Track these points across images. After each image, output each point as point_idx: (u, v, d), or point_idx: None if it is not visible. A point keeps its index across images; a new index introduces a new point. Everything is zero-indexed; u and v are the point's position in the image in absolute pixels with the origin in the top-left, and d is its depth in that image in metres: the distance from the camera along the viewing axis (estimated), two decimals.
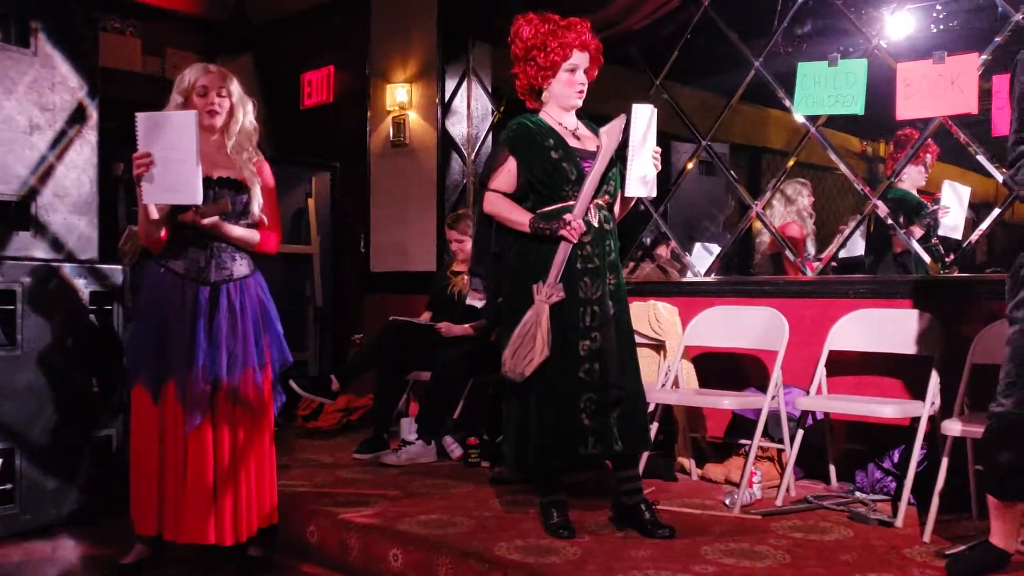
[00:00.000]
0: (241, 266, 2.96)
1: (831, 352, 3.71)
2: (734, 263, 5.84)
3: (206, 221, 2.85)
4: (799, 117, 4.13)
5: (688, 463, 3.97)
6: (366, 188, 5.93)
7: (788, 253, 4.63)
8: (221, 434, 2.86)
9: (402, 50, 5.73)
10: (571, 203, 2.98)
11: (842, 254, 5.04)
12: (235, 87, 2.97)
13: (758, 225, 5.02)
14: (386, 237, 5.83)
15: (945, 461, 3.10)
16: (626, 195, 3.11)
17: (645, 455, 3.65)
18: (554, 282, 2.95)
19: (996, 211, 3.78)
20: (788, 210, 5.51)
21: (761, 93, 4.43)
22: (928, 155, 4.73)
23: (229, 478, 2.87)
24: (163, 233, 2.88)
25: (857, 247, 5.07)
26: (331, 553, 3.21)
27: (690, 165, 4.99)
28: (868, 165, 9.02)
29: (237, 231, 2.93)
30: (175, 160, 2.69)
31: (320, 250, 6.35)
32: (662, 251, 5.43)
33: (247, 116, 2.99)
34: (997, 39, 3.63)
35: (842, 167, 4.18)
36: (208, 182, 2.85)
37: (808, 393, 3.68)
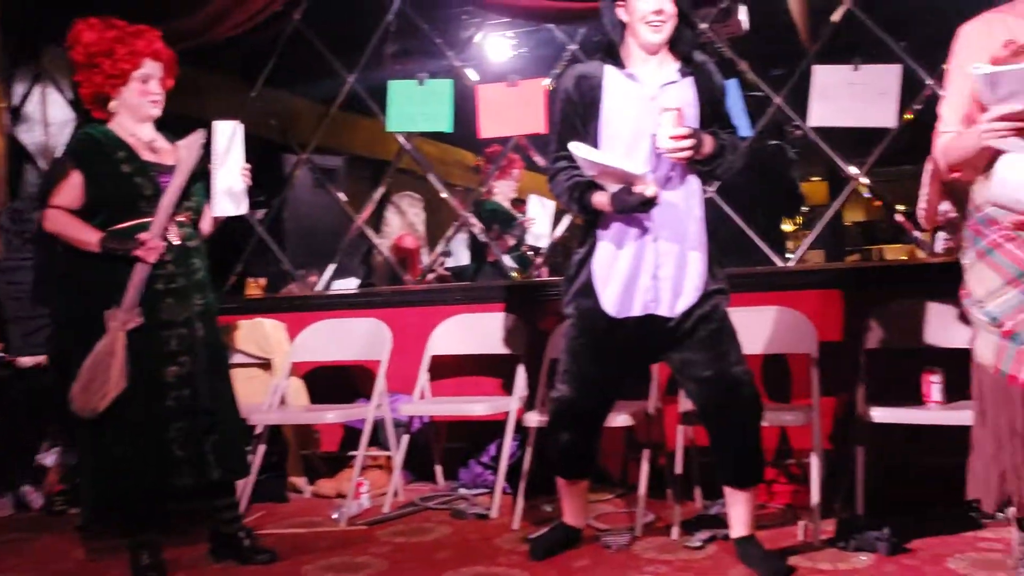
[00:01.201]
0: None
1: (434, 357, 3.87)
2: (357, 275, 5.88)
3: None
4: (400, 137, 4.27)
5: (300, 482, 3.91)
6: None
7: (397, 264, 4.76)
8: None
9: None
10: (147, 220, 2.79)
11: (451, 263, 5.31)
12: None
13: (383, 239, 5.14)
14: None
15: (530, 451, 3.38)
16: (213, 213, 2.98)
17: (252, 479, 3.54)
18: (130, 307, 2.73)
19: (567, 220, 4.22)
20: (403, 222, 5.69)
21: (379, 106, 4.46)
22: (516, 170, 5.14)
23: None
24: None
25: (464, 256, 5.37)
26: None
27: (299, 172, 4.92)
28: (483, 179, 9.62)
29: None
30: None
31: None
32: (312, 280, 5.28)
33: None
34: (556, 69, 4.04)
35: (434, 182, 4.39)
36: None
37: (413, 399, 3.81)
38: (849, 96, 3.39)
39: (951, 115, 2.12)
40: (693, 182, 2.66)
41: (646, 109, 2.58)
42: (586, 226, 2.73)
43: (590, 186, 2.60)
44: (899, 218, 3.77)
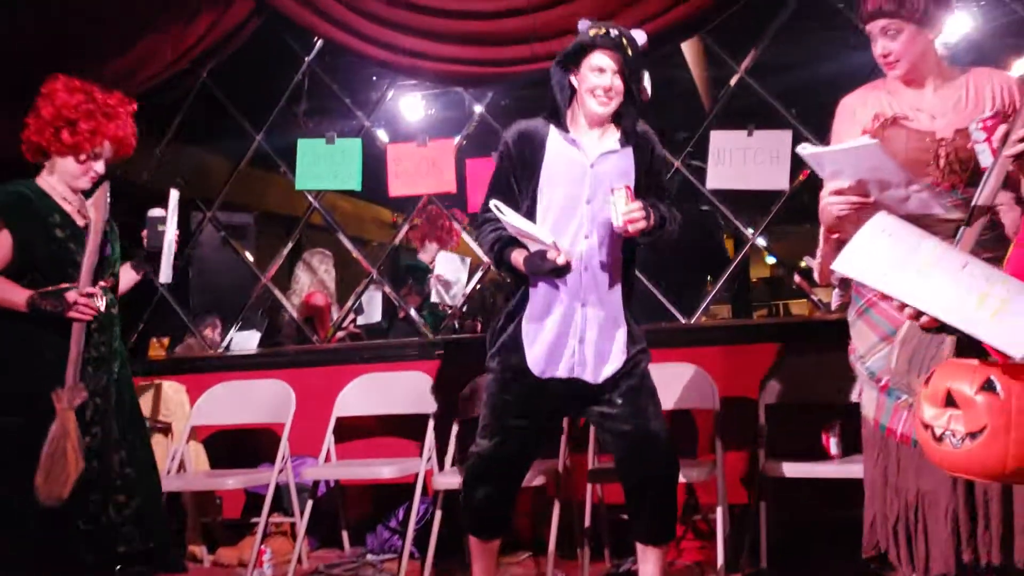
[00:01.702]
0: None
1: (341, 418, 3.79)
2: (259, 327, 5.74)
3: None
4: (310, 196, 4.24)
5: (200, 550, 3.75)
6: None
7: (306, 322, 4.69)
8: None
9: None
10: (74, 287, 2.70)
11: (362, 320, 5.23)
12: None
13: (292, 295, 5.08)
14: None
15: (439, 514, 3.32)
16: (161, 280, 2.96)
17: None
18: (74, 383, 2.62)
19: (479, 272, 4.25)
20: (313, 280, 5.61)
21: (292, 164, 4.42)
22: (454, 240, 5.04)
23: None
24: None
25: (377, 313, 5.31)
26: None
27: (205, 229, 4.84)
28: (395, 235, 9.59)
29: None
30: None
31: None
32: (208, 331, 5.16)
33: None
34: (465, 130, 4.11)
35: (344, 241, 4.36)
36: None
37: (318, 462, 3.71)
38: (743, 160, 3.53)
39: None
40: (625, 248, 2.66)
41: (584, 175, 2.61)
42: (516, 281, 2.70)
43: (511, 242, 2.60)
44: (797, 278, 3.89)
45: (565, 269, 2.49)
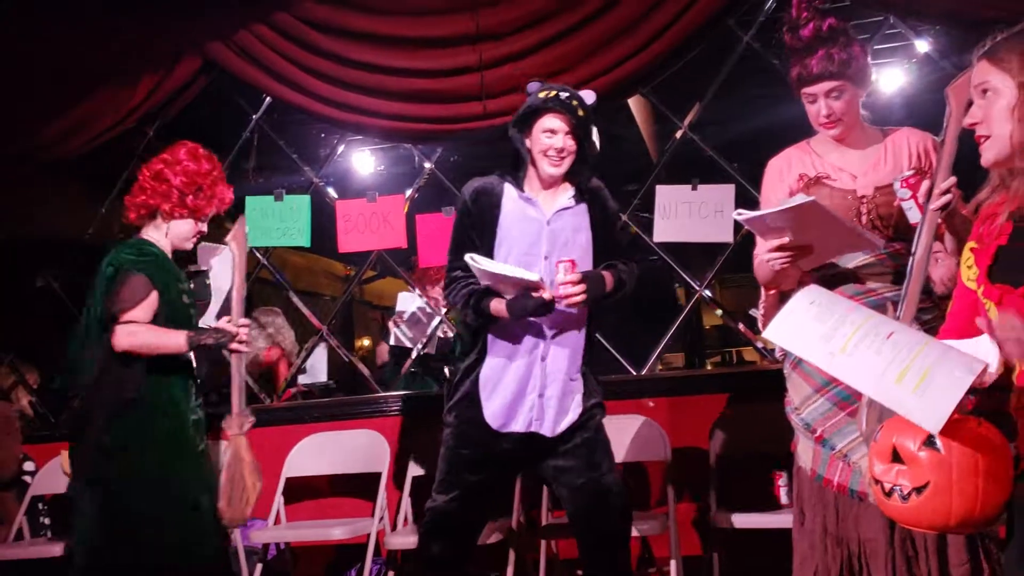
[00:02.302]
0: None
1: (291, 479, 3.72)
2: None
3: None
4: (258, 253, 4.19)
5: None
6: None
7: (260, 378, 4.60)
8: None
9: None
10: None
11: (306, 380, 5.12)
12: None
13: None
14: None
15: (391, 574, 3.26)
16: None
17: None
18: (240, 408, 2.70)
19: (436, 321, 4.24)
20: (263, 336, 5.53)
21: None
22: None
23: None
24: None
25: (322, 372, 5.20)
26: None
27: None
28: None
29: None
30: None
31: None
32: None
33: None
34: (417, 182, 4.13)
35: (294, 298, 4.33)
36: None
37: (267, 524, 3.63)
38: (689, 213, 3.59)
39: (762, 240, 2.26)
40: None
41: (540, 232, 2.64)
42: (474, 335, 2.70)
43: (487, 293, 2.60)
44: (741, 326, 3.94)
45: (551, 306, 2.51)
